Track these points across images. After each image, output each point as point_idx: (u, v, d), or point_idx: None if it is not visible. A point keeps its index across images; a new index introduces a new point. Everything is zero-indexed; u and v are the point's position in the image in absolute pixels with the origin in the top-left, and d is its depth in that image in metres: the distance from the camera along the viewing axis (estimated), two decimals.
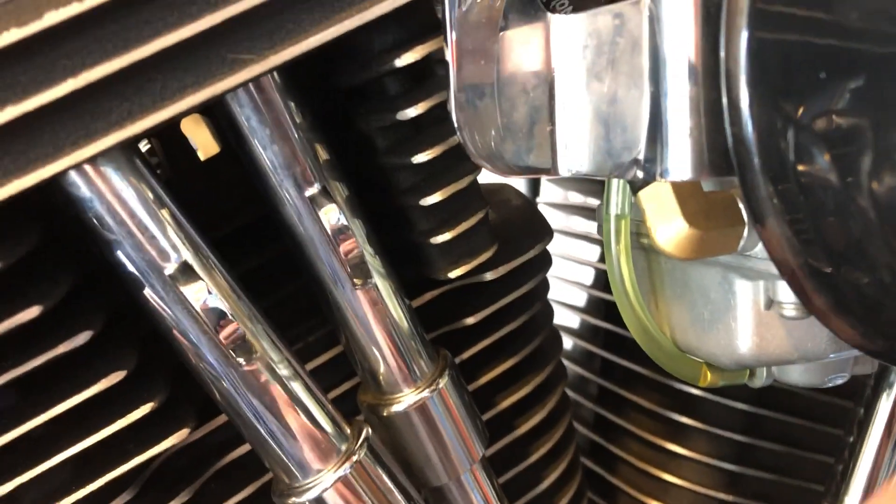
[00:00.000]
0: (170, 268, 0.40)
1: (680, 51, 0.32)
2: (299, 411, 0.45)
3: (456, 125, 0.40)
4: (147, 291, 0.40)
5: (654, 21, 0.32)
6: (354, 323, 0.48)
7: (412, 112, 0.45)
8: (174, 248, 0.40)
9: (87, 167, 0.37)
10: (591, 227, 0.81)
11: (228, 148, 0.51)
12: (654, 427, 0.74)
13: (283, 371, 0.44)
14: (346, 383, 0.55)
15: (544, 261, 0.60)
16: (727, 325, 0.46)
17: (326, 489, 0.46)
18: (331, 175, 0.44)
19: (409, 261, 0.52)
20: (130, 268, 0.39)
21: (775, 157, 0.30)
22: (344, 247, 0.45)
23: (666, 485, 0.74)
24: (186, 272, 0.40)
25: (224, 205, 0.52)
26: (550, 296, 0.64)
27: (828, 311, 0.33)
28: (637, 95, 0.33)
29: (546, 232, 0.60)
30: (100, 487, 0.43)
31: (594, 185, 0.77)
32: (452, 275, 0.51)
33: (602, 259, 0.80)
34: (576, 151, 0.37)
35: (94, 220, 0.38)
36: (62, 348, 0.40)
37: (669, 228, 0.38)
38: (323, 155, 0.44)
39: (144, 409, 0.43)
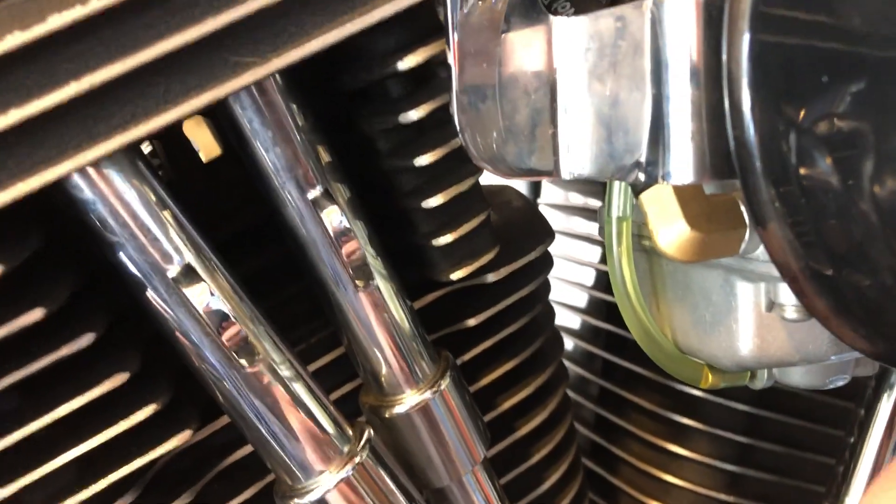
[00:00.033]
0: (172, 270, 0.40)
1: (682, 54, 0.32)
2: (301, 413, 0.45)
3: (458, 127, 0.40)
4: (150, 293, 0.40)
5: (655, 24, 0.32)
6: (356, 324, 0.48)
7: (414, 115, 0.45)
8: (177, 250, 0.40)
9: (90, 169, 0.37)
10: (591, 228, 0.81)
11: (230, 149, 0.51)
12: (655, 428, 0.75)
13: (286, 372, 0.44)
14: (347, 385, 0.55)
15: (546, 262, 0.60)
16: (728, 327, 0.46)
17: (329, 490, 0.46)
18: (333, 177, 0.44)
19: (411, 262, 0.52)
20: (133, 270, 0.39)
21: (777, 160, 0.30)
22: (346, 248, 0.45)
23: (667, 485, 0.74)
24: (189, 274, 0.40)
25: (226, 206, 0.52)
26: (551, 296, 0.65)
27: (829, 313, 0.33)
28: (639, 98, 0.33)
29: (547, 233, 0.60)
30: (103, 489, 0.43)
31: (595, 186, 0.77)
32: (454, 276, 0.51)
33: (603, 260, 0.80)
34: (577, 154, 0.37)
35: (97, 223, 0.38)
36: (65, 350, 0.40)
37: (671, 231, 0.38)
38: (325, 157, 0.44)
39: (147, 411, 0.43)
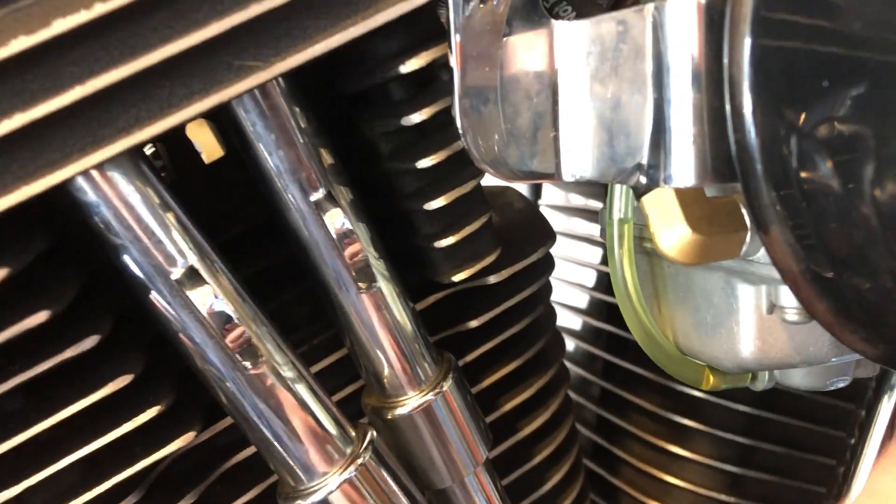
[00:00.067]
0: (176, 272, 0.40)
1: (683, 58, 0.32)
2: (304, 414, 0.45)
3: (460, 130, 0.41)
4: (153, 295, 0.40)
5: (657, 28, 0.32)
6: (359, 326, 0.48)
7: (417, 118, 0.45)
8: (180, 252, 0.40)
9: (94, 172, 0.37)
10: (592, 229, 0.81)
11: (232, 151, 0.51)
12: (655, 429, 0.75)
13: (288, 374, 0.44)
14: (350, 386, 0.55)
15: (547, 264, 0.60)
16: (730, 329, 0.46)
17: (332, 492, 0.46)
18: (336, 180, 0.44)
19: (414, 264, 0.53)
20: (137, 272, 0.40)
21: (778, 163, 0.30)
22: (348, 251, 0.45)
23: (668, 486, 0.74)
24: (192, 276, 0.40)
25: (228, 208, 0.52)
26: (552, 297, 0.65)
27: (830, 316, 0.33)
28: (640, 101, 0.33)
29: (549, 235, 0.60)
30: (107, 490, 0.43)
31: (596, 187, 0.77)
32: (456, 278, 0.52)
33: (603, 261, 0.80)
34: (579, 157, 0.37)
35: (101, 225, 0.38)
36: (70, 352, 0.40)
37: (673, 234, 0.38)
38: (328, 160, 0.44)
39: (151, 413, 0.43)
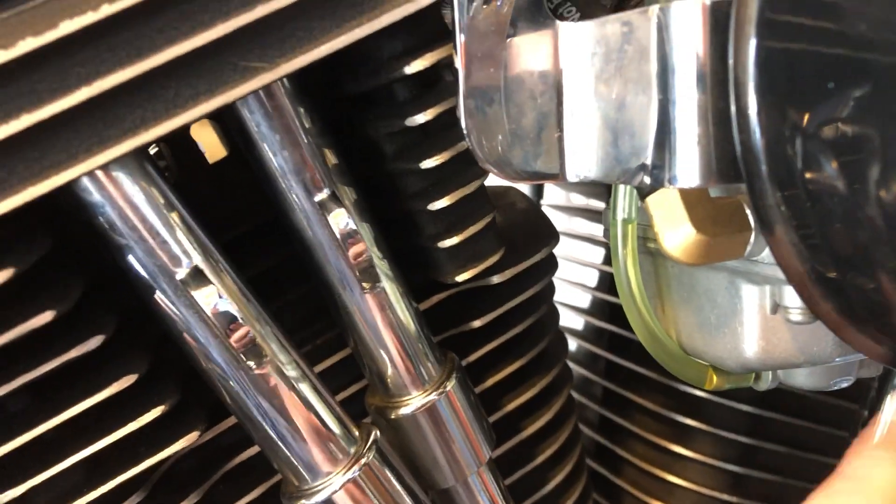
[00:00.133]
0: (180, 272, 0.40)
1: (688, 58, 0.32)
2: (308, 414, 0.45)
3: (464, 130, 0.41)
4: (158, 295, 0.40)
5: (662, 29, 0.32)
6: (362, 326, 0.48)
7: (421, 118, 0.45)
8: (185, 252, 0.40)
9: (99, 172, 0.37)
10: (594, 229, 0.82)
11: (236, 151, 0.51)
12: (658, 429, 0.75)
13: (292, 374, 0.44)
14: (354, 386, 0.55)
15: (550, 264, 0.60)
16: (734, 329, 0.46)
17: (335, 491, 0.46)
18: (339, 180, 0.44)
19: (417, 264, 0.53)
20: (141, 272, 0.40)
21: (783, 164, 0.30)
22: (352, 251, 0.45)
23: (670, 486, 0.74)
24: (197, 276, 0.40)
25: (232, 208, 0.52)
26: (555, 297, 0.65)
27: (834, 316, 0.33)
28: (645, 102, 0.33)
29: (552, 235, 0.60)
30: (111, 490, 0.43)
31: (598, 187, 0.77)
32: (459, 278, 0.52)
33: (606, 261, 0.80)
34: (584, 157, 0.37)
35: (105, 225, 0.38)
36: (74, 352, 0.40)
37: (677, 234, 0.38)
38: (332, 160, 0.44)
39: (155, 412, 0.43)
